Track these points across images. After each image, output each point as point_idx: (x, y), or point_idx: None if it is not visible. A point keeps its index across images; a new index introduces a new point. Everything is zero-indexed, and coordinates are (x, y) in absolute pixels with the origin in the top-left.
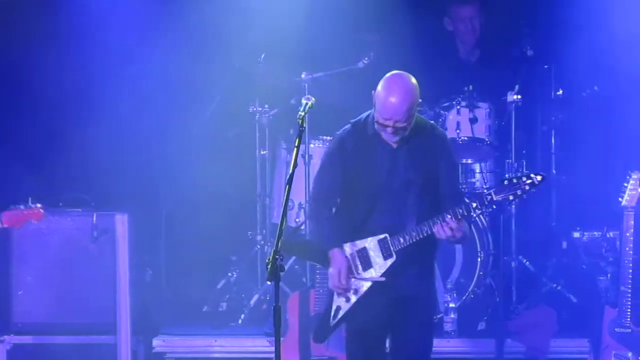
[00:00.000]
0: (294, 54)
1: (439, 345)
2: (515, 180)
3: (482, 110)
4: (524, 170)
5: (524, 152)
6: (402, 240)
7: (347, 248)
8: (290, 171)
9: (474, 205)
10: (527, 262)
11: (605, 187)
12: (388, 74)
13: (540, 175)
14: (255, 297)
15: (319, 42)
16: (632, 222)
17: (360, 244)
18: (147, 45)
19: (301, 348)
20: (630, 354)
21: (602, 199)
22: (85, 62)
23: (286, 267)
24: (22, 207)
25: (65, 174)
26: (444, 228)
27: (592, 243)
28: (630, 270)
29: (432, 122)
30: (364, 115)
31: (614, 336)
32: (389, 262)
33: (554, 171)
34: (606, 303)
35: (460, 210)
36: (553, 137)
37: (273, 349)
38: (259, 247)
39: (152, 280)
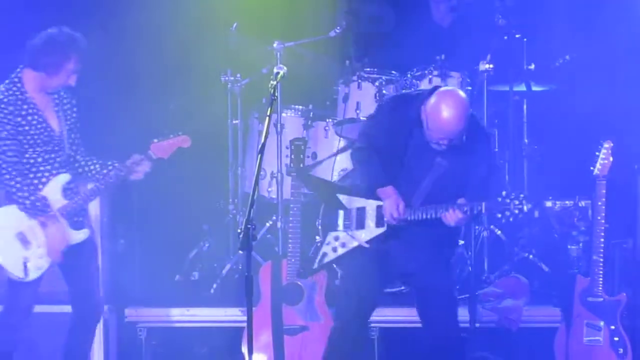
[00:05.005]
0: (266, 23)
1: (410, 314)
2: (508, 201)
3: (454, 80)
4: (496, 142)
5: (496, 121)
6: None
7: (351, 202)
8: (262, 140)
9: (465, 209)
10: (499, 232)
11: (577, 156)
12: (441, 92)
13: (531, 204)
14: (228, 267)
15: (291, 11)
16: (604, 191)
17: (362, 202)
18: (114, 22)
19: (273, 317)
20: (602, 323)
21: (574, 168)
22: None
23: (258, 237)
24: (171, 135)
25: None
26: (447, 217)
27: (564, 212)
28: (602, 240)
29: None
30: (415, 92)
31: (585, 305)
32: (379, 230)
33: (525, 140)
34: (578, 272)
35: (452, 207)
36: (525, 106)
37: (245, 318)
38: (231, 216)
39: (124, 250)
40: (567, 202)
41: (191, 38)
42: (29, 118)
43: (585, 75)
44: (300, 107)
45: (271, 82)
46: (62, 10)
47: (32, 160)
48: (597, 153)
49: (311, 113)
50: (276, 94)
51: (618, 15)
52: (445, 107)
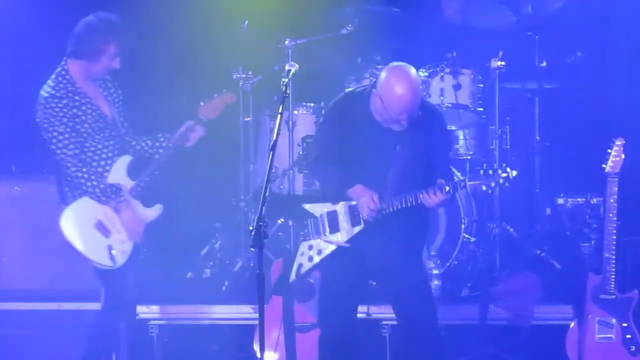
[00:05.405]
0: (278, 20)
1: None
2: (491, 172)
3: (466, 77)
4: (508, 139)
5: (508, 118)
6: None
7: (319, 208)
8: (274, 138)
9: (447, 188)
10: (511, 229)
11: (588, 153)
12: (390, 69)
13: (516, 171)
14: (239, 264)
15: (302, 9)
16: (616, 189)
17: (332, 206)
18: (125, 19)
19: (285, 315)
20: (614, 321)
21: (585, 165)
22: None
23: (270, 234)
24: (215, 95)
25: None
26: (427, 200)
27: (575, 209)
28: (614, 237)
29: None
30: (360, 88)
31: (597, 303)
32: (356, 229)
33: (537, 137)
34: (589, 270)
35: (433, 189)
36: (537, 103)
37: (257, 315)
38: (242, 214)
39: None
40: (578, 199)
41: (203, 36)
42: (84, 108)
43: (597, 73)
44: (312, 104)
45: (283, 79)
46: (78, 9)
47: (92, 149)
48: (608, 150)
49: (323, 110)
50: (288, 92)
51: (630, 12)
52: (397, 80)
